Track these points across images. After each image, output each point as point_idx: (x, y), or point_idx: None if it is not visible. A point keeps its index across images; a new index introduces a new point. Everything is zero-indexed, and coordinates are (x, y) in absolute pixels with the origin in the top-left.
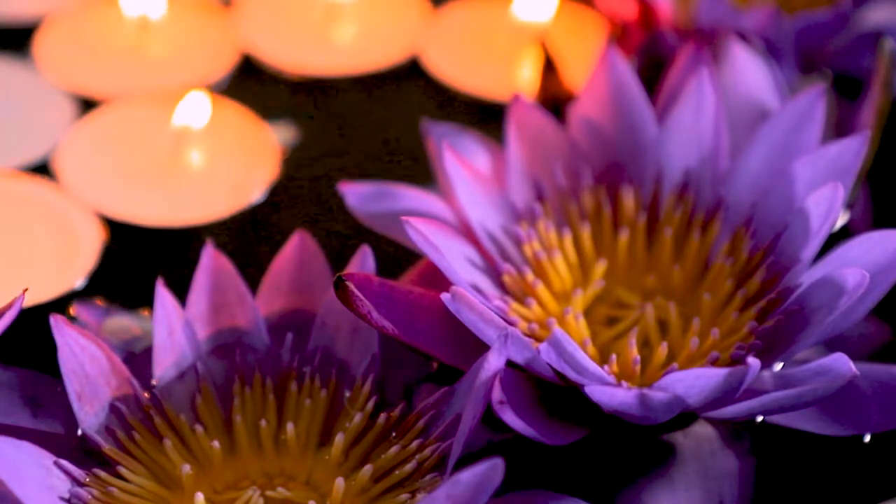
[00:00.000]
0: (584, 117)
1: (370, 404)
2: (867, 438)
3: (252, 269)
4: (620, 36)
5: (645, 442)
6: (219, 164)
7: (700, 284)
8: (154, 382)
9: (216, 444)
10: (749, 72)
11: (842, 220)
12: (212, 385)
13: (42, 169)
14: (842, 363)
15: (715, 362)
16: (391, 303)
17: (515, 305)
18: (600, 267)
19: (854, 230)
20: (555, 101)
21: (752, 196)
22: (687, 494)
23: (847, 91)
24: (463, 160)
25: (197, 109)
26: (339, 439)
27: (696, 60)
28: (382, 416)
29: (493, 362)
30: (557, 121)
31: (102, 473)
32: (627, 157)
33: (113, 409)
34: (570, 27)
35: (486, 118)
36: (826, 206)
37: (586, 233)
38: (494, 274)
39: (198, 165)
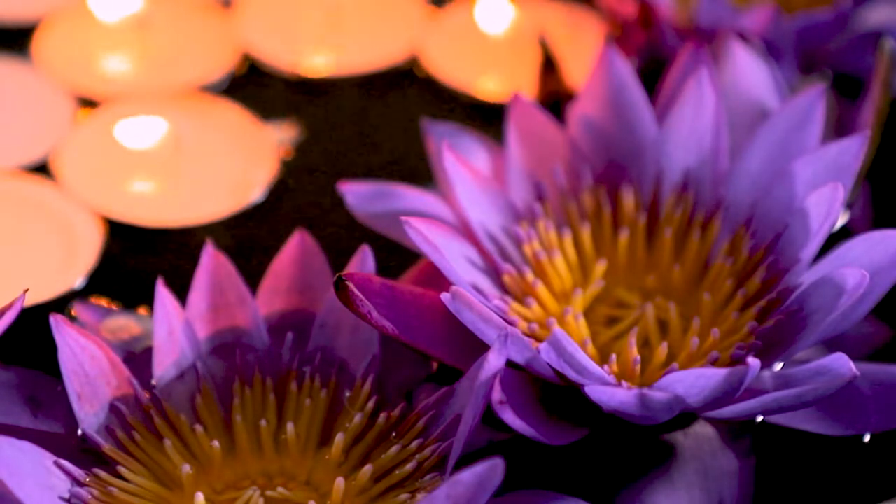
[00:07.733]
0: (584, 117)
1: (370, 404)
2: (867, 438)
3: (252, 269)
4: (620, 36)
5: (645, 442)
6: (219, 164)
7: (700, 284)
8: (154, 382)
9: (216, 444)
10: (749, 72)
11: (842, 220)
12: (212, 385)
13: (42, 169)
14: (842, 363)
15: (715, 362)
16: (391, 303)
17: (515, 305)
18: (600, 267)
19: (854, 230)
20: (555, 100)
21: (752, 196)
22: (687, 494)
23: (847, 91)
24: (463, 160)
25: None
26: (339, 439)
27: (696, 60)
28: (382, 416)
29: (493, 362)
30: (557, 121)
31: (102, 473)
32: (627, 157)
33: (113, 409)
34: (569, 27)
35: (486, 118)
36: (826, 206)
37: (586, 233)
38: (494, 274)
39: (198, 165)
